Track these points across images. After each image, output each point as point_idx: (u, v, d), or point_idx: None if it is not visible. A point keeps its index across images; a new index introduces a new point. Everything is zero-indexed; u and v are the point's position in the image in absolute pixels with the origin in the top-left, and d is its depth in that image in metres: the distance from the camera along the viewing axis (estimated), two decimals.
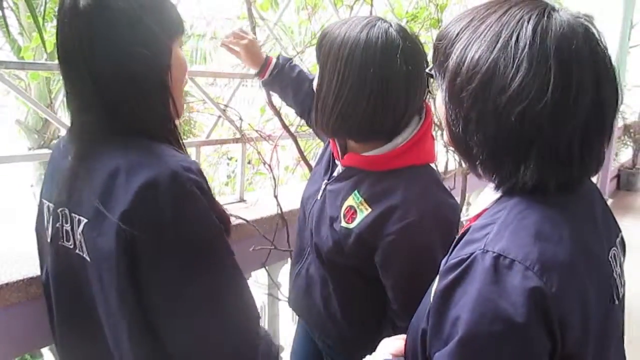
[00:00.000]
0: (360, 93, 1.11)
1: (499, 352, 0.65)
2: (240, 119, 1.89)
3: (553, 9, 0.71)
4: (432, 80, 0.83)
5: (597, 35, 0.70)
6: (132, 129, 0.91)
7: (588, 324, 0.67)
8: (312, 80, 1.55)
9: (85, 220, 0.89)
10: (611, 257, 0.76)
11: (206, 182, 0.92)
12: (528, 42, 0.68)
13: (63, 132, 1.39)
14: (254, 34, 1.84)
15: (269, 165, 1.87)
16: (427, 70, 0.84)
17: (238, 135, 1.93)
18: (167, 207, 0.84)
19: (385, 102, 1.11)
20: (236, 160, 2.13)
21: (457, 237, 0.78)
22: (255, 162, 2.41)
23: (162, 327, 0.89)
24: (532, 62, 0.67)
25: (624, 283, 0.79)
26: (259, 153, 1.94)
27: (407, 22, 2.49)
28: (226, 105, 1.88)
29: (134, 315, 0.88)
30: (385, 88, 1.10)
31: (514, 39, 0.69)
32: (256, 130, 1.96)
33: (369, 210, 1.13)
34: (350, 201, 1.17)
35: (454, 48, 0.75)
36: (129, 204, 0.83)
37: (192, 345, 0.90)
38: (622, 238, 0.85)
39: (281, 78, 1.59)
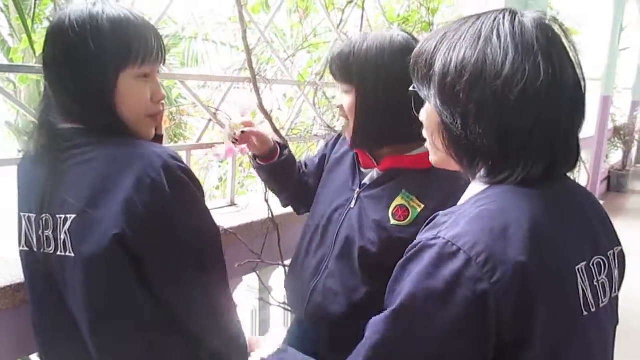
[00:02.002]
0: (404, 101, 1.12)
1: (426, 329, 0.70)
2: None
3: (520, 12, 0.76)
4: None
5: (563, 31, 0.77)
6: (99, 131, 0.98)
7: (532, 326, 0.68)
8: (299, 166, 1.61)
9: (73, 216, 0.92)
10: (593, 265, 0.76)
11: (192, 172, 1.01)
12: (509, 33, 0.73)
13: None
14: (245, 37, 1.83)
15: None
16: (410, 89, 0.87)
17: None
18: (163, 192, 0.91)
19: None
20: (227, 163, 2.12)
21: (424, 224, 0.81)
22: (247, 165, 2.40)
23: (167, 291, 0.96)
24: (517, 48, 0.72)
25: (608, 294, 0.79)
26: (249, 157, 1.93)
27: (399, 25, 2.50)
28: (217, 109, 1.87)
29: (130, 295, 0.93)
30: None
31: (495, 33, 0.74)
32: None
33: (422, 206, 1.19)
34: (400, 201, 1.22)
35: (435, 57, 0.78)
36: (130, 192, 0.89)
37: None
38: (621, 251, 0.85)
39: (291, 160, 1.55)
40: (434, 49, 0.79)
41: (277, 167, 1.51)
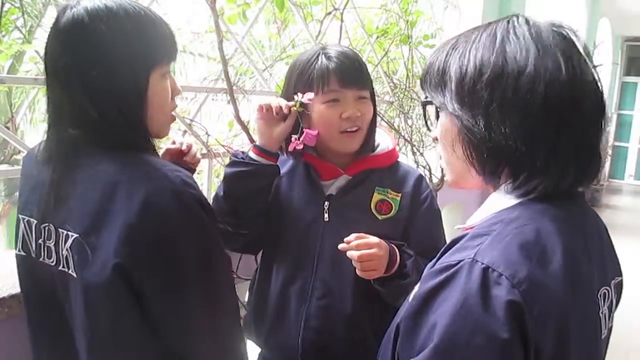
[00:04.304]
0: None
1: None
2: (207, 134, 1.83)
3: (530, 17, 0.75)
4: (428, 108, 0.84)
5: (576, 36, 0.76)
6: (112, 142, 0.90)
7: (564, 357, 0.66)
8: None
9: (76, 235, 0.85)
10: (600, 295, 0.74)
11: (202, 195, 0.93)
12: (527, 33, 0.72)
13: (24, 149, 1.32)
14: (222, 47, 1.80)
15: None
16: (422, 100, 0.84)
17: (204, 151, 1.88)
18: (170, 220, 0.85)
19: None
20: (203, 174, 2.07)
21: (447, 243, 0.76)
22: None
23: (162, 328, 0.89)
24: (537, 46, 0.70)
25: (608, 325, 0.77)
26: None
27: (377, 37, 2.50)
28: (192, 120, 1.82)
29: (129, 322, 0.87)
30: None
31: (512, 33, 0.72)
32: (223, 145, 1.91)
33: (400, 194, 1.28)
34: (377, 197, 1.27)
35: (449, 63, 0.76)
36: (134, 218, 0.82)
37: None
38: (620, 282, 0.83)
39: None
40: (446, 56, 0.77)
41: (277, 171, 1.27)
